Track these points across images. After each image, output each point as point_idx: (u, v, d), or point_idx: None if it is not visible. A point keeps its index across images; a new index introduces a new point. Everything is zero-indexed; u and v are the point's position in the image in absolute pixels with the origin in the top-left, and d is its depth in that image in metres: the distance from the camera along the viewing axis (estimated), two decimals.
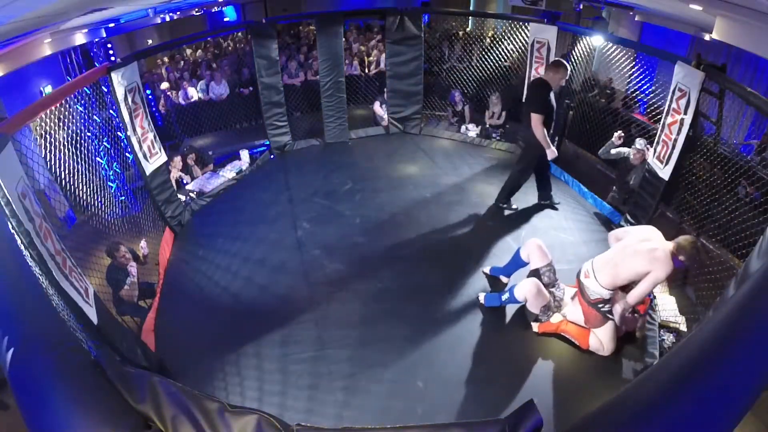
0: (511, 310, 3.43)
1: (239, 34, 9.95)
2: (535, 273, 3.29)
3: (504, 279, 3.71)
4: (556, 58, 4.29)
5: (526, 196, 5.01)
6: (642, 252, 2.76)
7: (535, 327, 3.23)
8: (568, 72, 4.04)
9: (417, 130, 6.64)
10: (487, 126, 6.44)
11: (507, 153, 6.04)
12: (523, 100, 4.51)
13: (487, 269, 3.84)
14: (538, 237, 4.22)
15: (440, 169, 5.64)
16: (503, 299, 3.32)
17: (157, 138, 4.46)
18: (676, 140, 3.69)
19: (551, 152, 4.16)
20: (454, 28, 7.93)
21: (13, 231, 1.99)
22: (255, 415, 0.96)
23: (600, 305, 2.97)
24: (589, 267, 3.01)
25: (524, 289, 3.13)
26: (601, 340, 3.02)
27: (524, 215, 4.66)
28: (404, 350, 3.16)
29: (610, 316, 2.97)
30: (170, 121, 6.76)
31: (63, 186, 3.69)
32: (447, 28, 7.87)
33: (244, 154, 5.91)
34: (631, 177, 4.43)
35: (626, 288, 2.90)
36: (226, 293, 3.80)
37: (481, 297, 3.50)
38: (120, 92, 3.90)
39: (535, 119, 4.04)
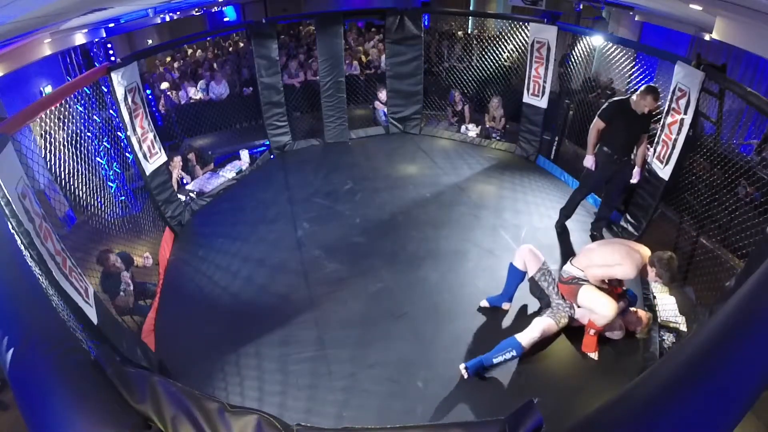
0: (511, 311, 3.44)
1: (239, 34, 9.94)
2: (533, 282, 3.26)
3: (506, 306, 3.41)
4: (649, 84, 3.69)
5: (525, 197, 5.02)
6: (623, 246, 2.99)
7: (593, 355, 3.06)
8: (655, 100, 3.57)
9: (417, 130, 6.64)
10: (487, 126, 6.44)
11: (507, 153, 6.05)
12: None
13: (484, 302, 3.46)
14: (539, 237, 4.25)
15: (440, 169, 5.64)
16: (494, 361, 2.89)
17: (157, 138, 4.46)
18: (676, 140, 3.69)
19: (587, 158, 4.02)
20: (453, 28, 7.92)
21: (13, 231, 1.99)
22: (255, 415, 0.96)
23: (572, 281, 3.08)
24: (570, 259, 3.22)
25: (530, 336, 2.94)
26: (585, 305, 3.00)
27: (524, 215, 4.66)
28: (404, 350, 3.16)
29: (580, 282, 3.04)
30: (170, 121, 6.75)
31: (63, 186, 3.69)
32: (446, 29, 7.86)
33: (244, 154, 5.91)
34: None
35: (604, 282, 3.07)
36: (226, 293, 3.80)
37: (462, 369, 2.94)
38: (120, 92, 3.91)
39: (593, 123, 3.89)
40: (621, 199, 4.36)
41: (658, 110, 3.92)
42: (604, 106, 3.87)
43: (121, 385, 0.98)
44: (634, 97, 3.69)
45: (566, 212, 4.38)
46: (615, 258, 2.92)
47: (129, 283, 3.57)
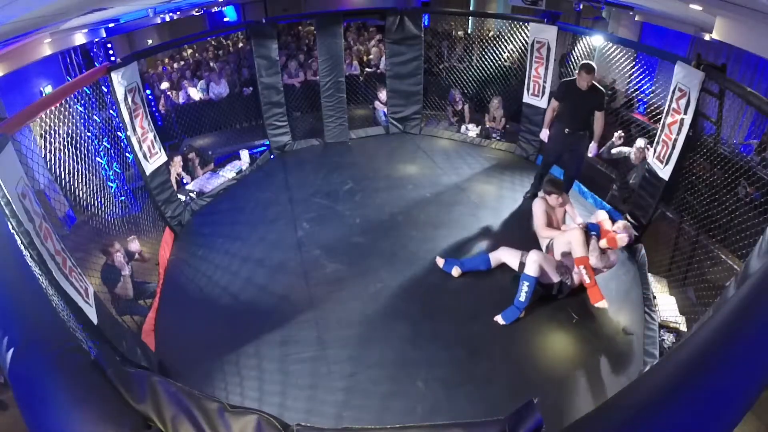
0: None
1: (239, 34, 9.94)
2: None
3: (456, 271, 3.76)
4: (584, 61, 4.12)
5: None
6: None
7: (603, 303, 3.22)
8: (587, 73, 3.95)
9: (417, 130, 6.64)
10: (487, 126, 6.43)
11: (507, 153, 6.04)
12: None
13: (456, 270, 3.79)
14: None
15: (440, 169, 5.64)
16: (521, 299, 3.27)
17: (157, 138, 4.46)
18: (676, 140, 3.68)
19: (542, 132, 4.59)
20: (453, 28, 7.91)
21: (13, 231, 1.99)
22: (255, 415, 0.96)
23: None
24: None
25: (533, 261, 3.30)
26: (563, 247, 3.46)
27: (525, 215, 4.65)
28: (404, 350, 3.16)
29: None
30: (170, 121, 6.75)
31: (63, 186, 3.69)
32: (446, 29, 7.85)
33: (244, 154, 5.91)
34: (631, 177, 4.42)
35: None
36: (226, 293, 3.80)
37: (500, 319, 3.32)
38: (120, 92, 3.90)
39: (550, 102, 4.44)
40: (579, 170, 4.65)
41: (608, 88, 4.26)
42: (557, 87, 4.30)
43: (121, 385, 0.98)
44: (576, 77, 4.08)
45: (534, 189, 4.80)
46: None
47: (128, 271, 3.55)
